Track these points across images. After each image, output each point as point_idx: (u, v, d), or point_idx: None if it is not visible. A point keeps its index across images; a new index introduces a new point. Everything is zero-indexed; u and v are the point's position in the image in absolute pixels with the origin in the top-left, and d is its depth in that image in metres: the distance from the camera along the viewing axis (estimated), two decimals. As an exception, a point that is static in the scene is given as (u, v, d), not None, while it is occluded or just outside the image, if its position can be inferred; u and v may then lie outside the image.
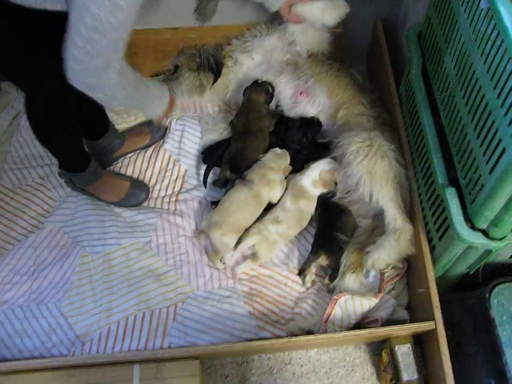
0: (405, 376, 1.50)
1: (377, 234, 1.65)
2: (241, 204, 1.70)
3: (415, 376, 1.50)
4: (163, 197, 1.90)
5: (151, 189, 1.91)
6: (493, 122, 1.11)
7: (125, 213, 1.83)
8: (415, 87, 1.57)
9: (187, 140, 1.99)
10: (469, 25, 1.23)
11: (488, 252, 1.32)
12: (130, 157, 1.99)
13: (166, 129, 2.03)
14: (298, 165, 1.83)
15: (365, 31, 2.13)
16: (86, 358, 1.49)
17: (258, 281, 1.70)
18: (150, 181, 1.94)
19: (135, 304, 1.63)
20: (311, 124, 1.88)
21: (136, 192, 1.86)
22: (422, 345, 1.61)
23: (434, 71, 1.51)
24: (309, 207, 1.74)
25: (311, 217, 1.76)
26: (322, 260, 1.66)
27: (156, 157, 1.97)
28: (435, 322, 1.44)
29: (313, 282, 1.70)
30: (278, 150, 1.84)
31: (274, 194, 1.76)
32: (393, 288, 1.66)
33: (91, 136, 1.86)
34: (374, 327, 1.55)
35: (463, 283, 1.55)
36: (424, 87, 1.55)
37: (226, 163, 1.82)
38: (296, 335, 1.54)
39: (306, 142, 1.86)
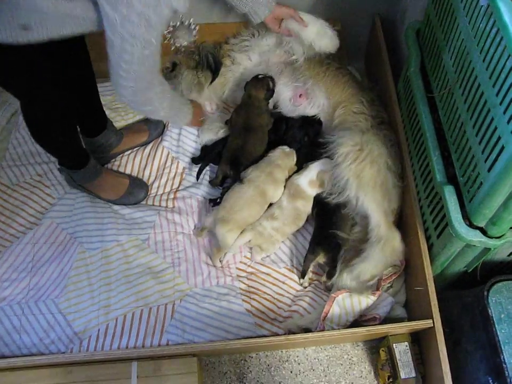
0: (403, 374, 1.51)
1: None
2: (248, 201, 1.70)
3: (413, 374, 1.50)
4: (161, 194, 1.90)
5: (149, 187, 1.91)
6: (492, 119, 1.11)
7: (123, 210, 1.83)
8: (413, 85, 1.56)
9: (185, 137, 1.99)
10: (468, 22, 1.23)
11: (486, 250, 1.32)
12: (129, 154, 1.98)
13: (164, 126, 2.03)
14: (297, 164, 1.82)
15: (364, 29, 2.13)
16: (84, 355, 1.49)
17: (256, 278, 1.70)
18: (148, 178, 1.94)
19: (133, 301, 1.63)
20: (312, 123, 1.88)
21: (135, 191, 1.86)
22: (420, 343, 1.60)
23: (433, 69, 1.51)
24: (306, 207, 1.74)
25: (308, 216, 1.76)
26: (320, 258, 1.65)
27: (154, 154, 1.97)
28: (433, 320, 1.44)
29: (310, 281, 1.70)
30: (286, 148, 1.82)
31: (276, 193, 1.76)
32: (391, 286, 1.66)
33: (89, 133, 1.86)
34: (372, 325, 1.55)
35: (461, 281, 1.55)
36: (422, 84, 1.54)
37: (226, 159, 1.81)
38: (293, 333, 1.54)
39: (307, 141, 1.85)
